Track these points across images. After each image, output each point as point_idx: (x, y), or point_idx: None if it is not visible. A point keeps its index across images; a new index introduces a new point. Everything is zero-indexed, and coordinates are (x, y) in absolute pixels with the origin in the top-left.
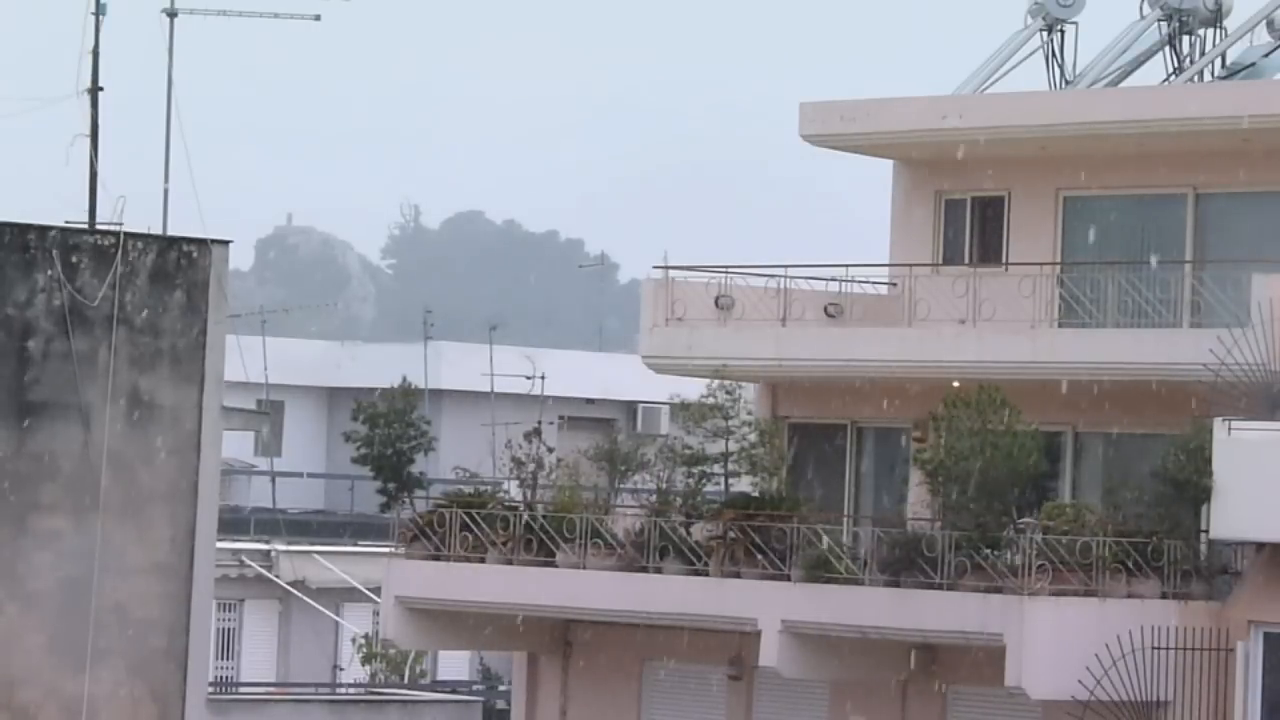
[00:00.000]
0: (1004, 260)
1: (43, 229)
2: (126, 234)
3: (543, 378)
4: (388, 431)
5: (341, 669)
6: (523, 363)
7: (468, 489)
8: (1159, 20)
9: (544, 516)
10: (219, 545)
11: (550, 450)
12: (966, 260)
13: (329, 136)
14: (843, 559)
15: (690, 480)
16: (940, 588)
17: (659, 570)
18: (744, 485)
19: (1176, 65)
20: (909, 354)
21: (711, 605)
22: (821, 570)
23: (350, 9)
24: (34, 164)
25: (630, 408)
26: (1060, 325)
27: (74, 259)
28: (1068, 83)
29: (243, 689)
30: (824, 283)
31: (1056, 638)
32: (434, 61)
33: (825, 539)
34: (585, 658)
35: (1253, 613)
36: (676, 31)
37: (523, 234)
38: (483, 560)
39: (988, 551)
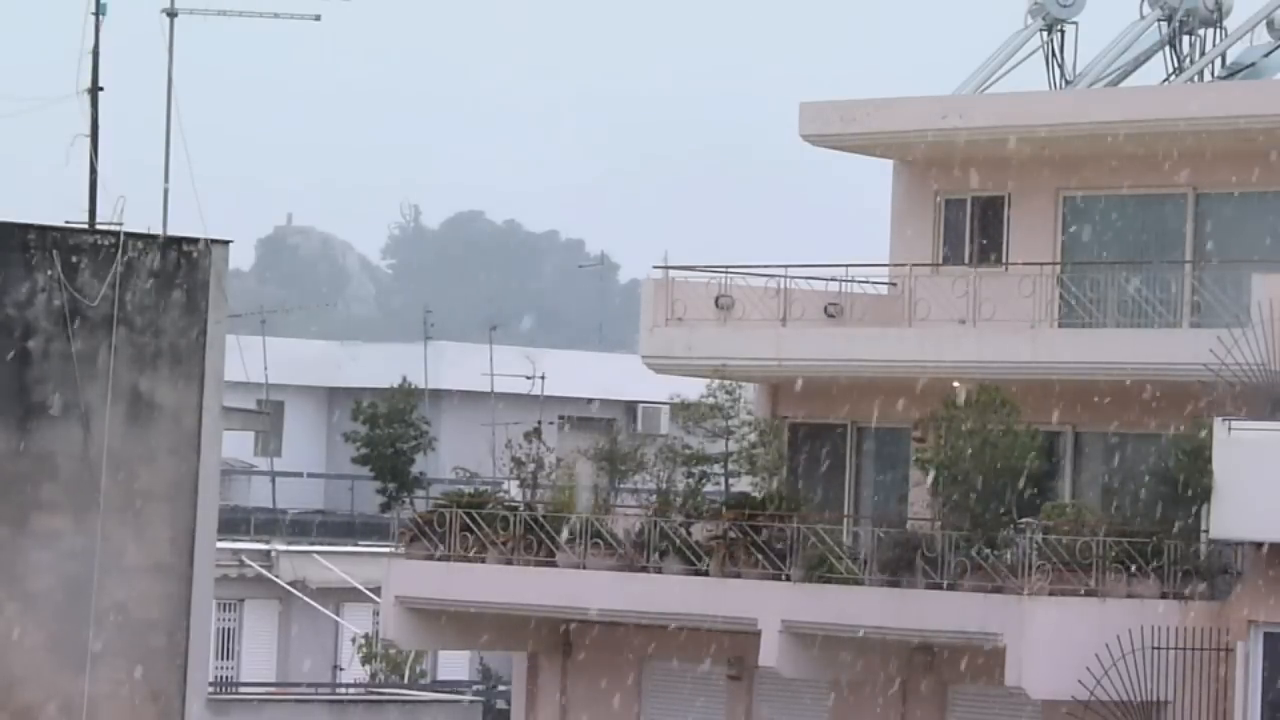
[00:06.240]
0: (1004, 260)
1: (43, 229)
2: (126, 234)
3: (543, 378)
4: (388, 431)
5: (341, 669)
6: (523, 363)
7: (468, 489)
8: (1159, 20)
9: (544, 516)
10: (219, 545)
11: (550, 450)
12: (966, 260)
13: (329, 137)
14: (843, 559)
15: (690, 480)
16: (940, 588)
17: (659, 570)
18: (744, 485)
19: (1176, 65)
20: (909, 354)
21: (711, 605)
22: (821, 570)
23: (350, 9)
24: (34, 164)
25: (630, 408)
26: (1060, 325)
27: (74, 259)
28: (1068, 83)
29: (243, 689)
30: (824, 283)
31: (1056, 638)
32: (434, 61)
33: (816, 542)
34: (585, 658)
35: (1253, 613)
36: (677, 32)
37: (523, 234)
38: (483, 560)
39: (988, 551)
